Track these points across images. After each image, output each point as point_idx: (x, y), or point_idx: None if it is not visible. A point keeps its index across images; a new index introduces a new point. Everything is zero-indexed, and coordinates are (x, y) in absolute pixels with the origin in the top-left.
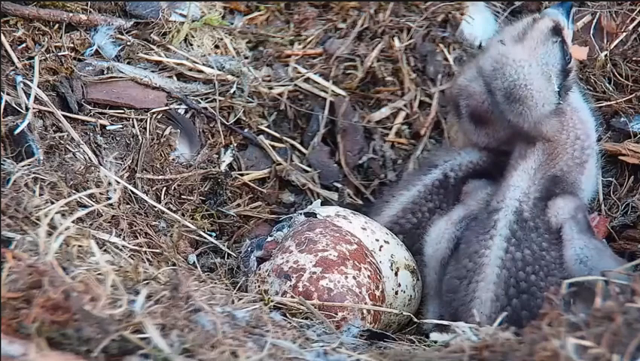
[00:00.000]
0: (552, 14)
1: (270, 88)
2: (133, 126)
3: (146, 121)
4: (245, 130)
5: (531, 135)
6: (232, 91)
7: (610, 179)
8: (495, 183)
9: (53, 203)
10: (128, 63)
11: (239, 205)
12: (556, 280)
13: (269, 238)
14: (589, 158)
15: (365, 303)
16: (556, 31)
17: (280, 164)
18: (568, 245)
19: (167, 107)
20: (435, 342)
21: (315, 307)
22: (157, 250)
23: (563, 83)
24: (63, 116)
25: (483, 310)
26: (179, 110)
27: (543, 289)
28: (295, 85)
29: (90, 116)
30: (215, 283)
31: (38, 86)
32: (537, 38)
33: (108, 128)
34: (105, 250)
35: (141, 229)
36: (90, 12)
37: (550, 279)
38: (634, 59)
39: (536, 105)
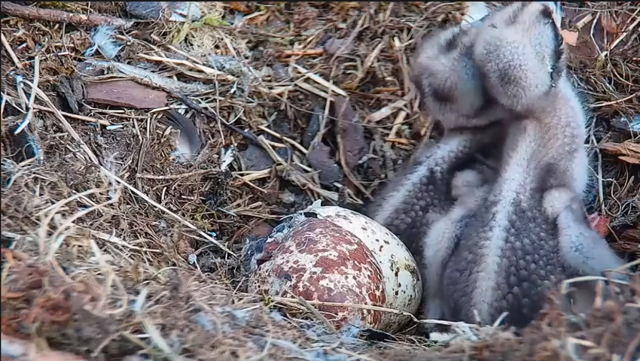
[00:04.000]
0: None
1: (270, 88)
2: (133, 126)
3: (146, 121)
4: (245, 130)
5: (522, 116)
6: (232, 91)
7: (610, 179)
8: (483, 170)
9: (53, 203)
10: (128, 63)
11: (239, 205)
12: (554, 269)
13: (269, 239)
14: (579, 148)
15: (365, 303)
16: (546, 13)
17: (280, 164)
18: (564, 233)
19: (167, 107)
20: (435, 342)
21: (315, 307)
22: (157, 250)
23: (555, 64)
24: (63, 116)
25: (485, 299)
26: (179, 110)
27: (543, 277)
28: (295, 85)
29: (90, 116)
30: (215, 283)
31: (38, 86)
32: (529, 20)
33: (108, 128)
34: (105, 250)
35: (141, 229)
36: (90, 12)
37: (549, 268)
38: (634, 59)
39: (530, 86)
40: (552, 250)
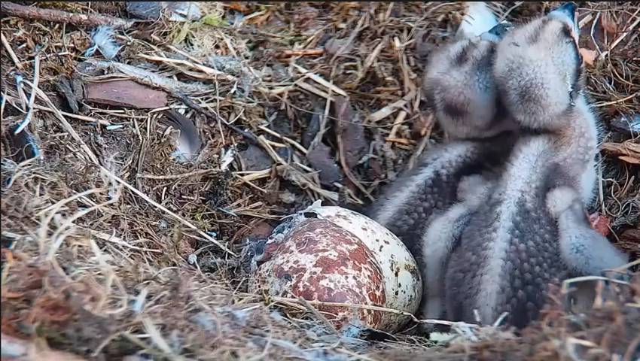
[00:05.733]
0: (559, 16)
1: (270, 88)
2: (134, 126)
3: (146, 121)
4: (246, 130)
5: (535, 132)
6: (232, 91)
7: (610, 179)
8: (490, 176)
9: (53, 203)
10: (128, 63)
11: (239, 205)
12: (558, 271)
13: (269, 241)
14: (591, 159)
15: (365, 303)
16: (566, 32)
17: (280, 164)
18: (564, 234)
19: (167, 107)
20: (435, 342)
21: (316, 307)
22: (158, 250)
23: (575, 83)
24: (63, 116)
25: (489, 303)
26: (179, 110)
27: (547, 280)
28: (295, 85)
29: (91, 116)
30: (215, 283)
31: (38, 86)
32: (551, 39)
33: (108, 128)
34: (105, 250)
35: (141, 229)
36: (91, 12)
37: (553, 270)
38: (634, 59)
39: (549, 105)
40: (556, 251)
